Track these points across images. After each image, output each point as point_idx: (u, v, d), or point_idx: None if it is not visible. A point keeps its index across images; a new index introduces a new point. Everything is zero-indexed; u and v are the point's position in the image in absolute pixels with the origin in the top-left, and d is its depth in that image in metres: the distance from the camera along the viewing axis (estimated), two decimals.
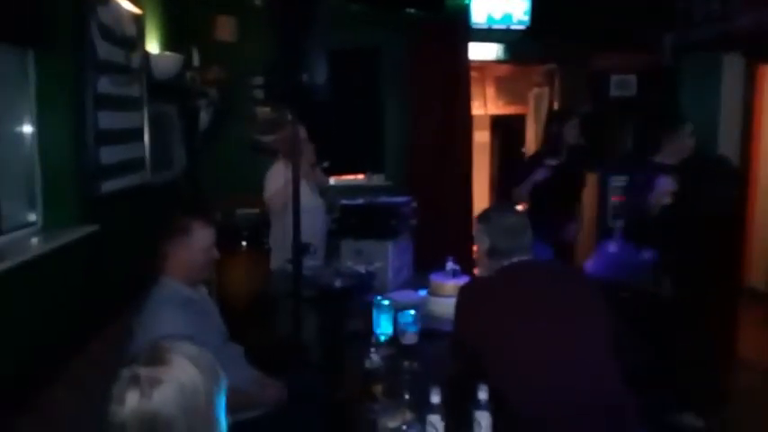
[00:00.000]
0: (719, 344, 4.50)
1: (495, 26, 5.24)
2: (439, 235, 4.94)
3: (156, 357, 1.21)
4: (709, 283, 4.52)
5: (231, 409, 2.44)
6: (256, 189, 4.06)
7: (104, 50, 2.78)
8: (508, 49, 5.34)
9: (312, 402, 2.66)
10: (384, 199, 4.02)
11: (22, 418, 1.78)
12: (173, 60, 3.67)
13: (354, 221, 3.73)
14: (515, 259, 2.19)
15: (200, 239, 2.38)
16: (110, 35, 2.85)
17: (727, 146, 5.05)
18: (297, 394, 2.66)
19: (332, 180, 5.29)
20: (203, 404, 1.21)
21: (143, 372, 1.17)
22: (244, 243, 4.65)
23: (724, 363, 4.50)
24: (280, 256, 3.85)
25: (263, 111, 4.88)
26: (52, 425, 1.86)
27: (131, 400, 1.14)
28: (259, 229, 4.47)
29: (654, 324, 4.33)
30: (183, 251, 2.35)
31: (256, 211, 4.59)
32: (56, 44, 2.48)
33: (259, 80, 4.74)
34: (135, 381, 1.16)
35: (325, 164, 4.62)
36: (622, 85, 5.20)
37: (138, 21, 3.31)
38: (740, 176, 4.90)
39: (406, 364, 2.39)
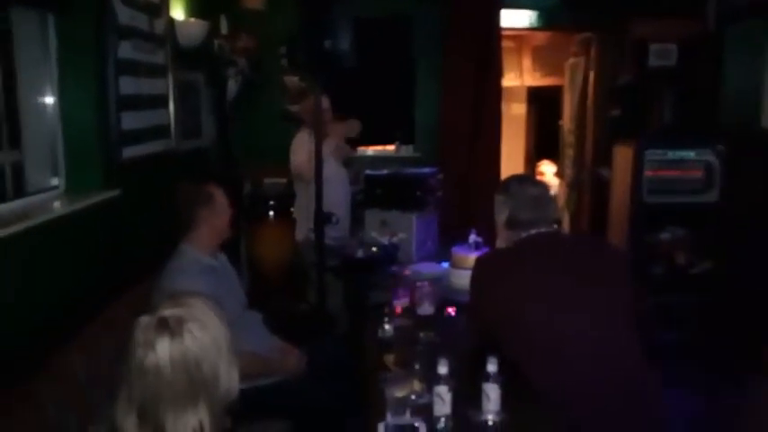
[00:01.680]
0: (759, 322, 4.38)
1: None
2: (467, 208, 4.89)
3: (176, 302, 1.27)
4: (748, 260, 4.39)
5: (251, 374, 2.50)
6: (285, 159, 4.06)
7: (126, 16, 2.78)
8: (542, 17, 5.17)
9: (334, 371, 2.67)
10: (410, 170, 3.98)
11: (38, 379, 1.82)
12: (199, 27, 3.65)
13: (379, 192, 3.70)
14: (534, 231, 2.13)
15: (223, 202, 2.47)
16: (131, 0, 2.84)
17: None
18: (319, 363, 2.68)
19: (367, 150, 5.28)
20: (223, 344, 1.27)
21: (167, 313, 1.23)
22: (271, 213, 4.67)
23: (764, 341, 4.37)
24: (304, 226, 3.86)
25: (292, 80, 4.85)
26: (66, 386, 1.89)
27: (162, 342, 1.20)
28: (287, 199, 4.48)
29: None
30: (212, 216, 2.43)
31: (284, 180, 4.60)
32: (76, 9, 2.48)
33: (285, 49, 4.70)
34: (163, 324, 1.21)
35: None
36: (662, 54, 4.97)
37: None
38: None
39: (422, 335, 2.37)
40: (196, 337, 1.22)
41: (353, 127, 4.12)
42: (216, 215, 2.45)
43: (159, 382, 1.19)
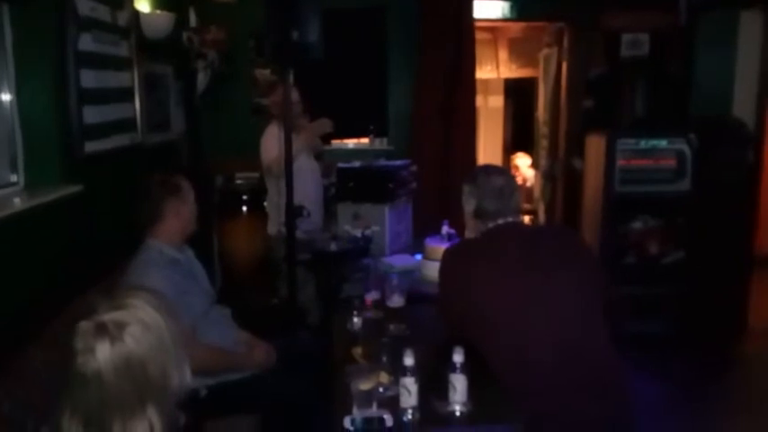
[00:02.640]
0: (731, 311, 4.44)
1: None
2: (442, 200, 4.87)
3: (115, 304, 1.21)
4: (720, 250, 4.43)
5: (218, 369, 2.46)
6: (257, 153, 4.01)
7: (86, 7, 2.71)
8: (515, 8, 5.16)
9: (305, 365, 2.65)
10: (382, 162, 3.96)
11: None
12: (165, 19, 3.59)
13: (351, 185, 3.67)
14: (501, 221, 2.12)
15: (190, 194, 2.44)
16: None
17: (743, 108, 4.87)
18: (290, 357, 2.66)
19: (348, 144, 5.25)
20: (170, 342, 1.23)
21: (106, 318, 1.18)
22: (244, 208, 4.62)
23: (735, 330, 4.44)
24: (276, 221, 3.82)
25: (263, 73, 4.80)
26: (25, 384, 1.85)
27: (102, 348, 1.15)
28: (259, 194, 4.44)
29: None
30: (181, 208, 2.40)
31: (256, 174, 4.55)
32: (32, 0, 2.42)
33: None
34: (102, 329, 1.16)
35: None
36: (634, 44, 5.00)
37: None
38: (755, 140, 4.74)
39: (391, 327, 2.36)
40: (139, 339, 1.18)
41: (324, 125, 4.08)
42: (186, 209, 2.42)
43: (102, 389, 1.15)
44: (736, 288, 4.50)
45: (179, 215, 2.40)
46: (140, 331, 1.18)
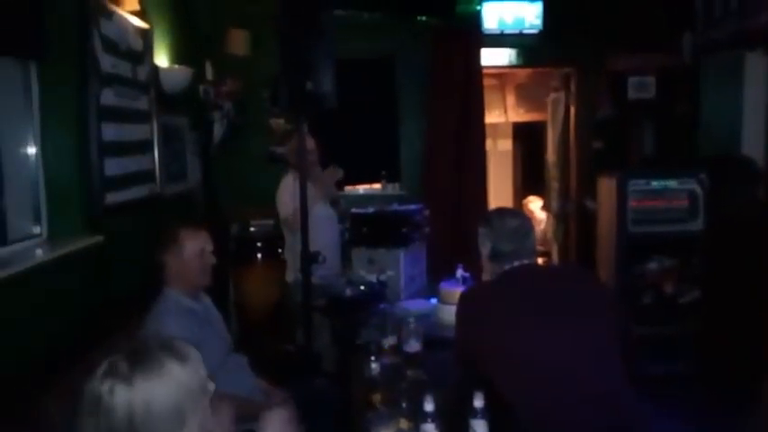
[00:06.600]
0: (750, 350, 4.36)
1: (508, 31, 5.18)
2: (456, 244, 4.89)
3: (138, 351, 1.22)
4: (737, 288, 4.39)
5: (236, 418, 2.44)
6: (272, 201, 4.06)
7: (108, 63, 2.82)
8: (522, 54, 5.28)
9: (322, 412, 2.63)
10: (395, 207, 3.99)
11: (14, 425, 1.78)
12: (183, 74, 3.71)
13: (365, 230, 3.70)
14: (517, 263, 2.14)
15: (189, 246, 2.42)
16: (114, 48, 2.89)
17: (752, 147, 4.89)
18: (307, 404, 2.64)
19: (359, 190, 5.31)
20: (193, 390, 1.23)
21: (128, 364, 1.18)
22: (259, 255, 4.66)
23: (756, 368, 4.36)
24: (293, 268, 3.84)
25: (277, 122, 4.90)
26: None
27: (123, 393, 1.15)
28: (274, 241, 4.48)
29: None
30: (175, 260, 2.40)
31: (271, 222, 4.60)
32: (58, 57, 2.51)
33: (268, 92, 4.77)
34: (124, 375, 1.17)
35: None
36: (641, 86, 5.08)
37: (146, 35, 3.34)
38: (766, 177, 4.74)
39: (409, 372, 2.35)
40: (160, 385, 1.18)
41: (335, 173, 4.14)
42: (181, 261, 2.40)
43: None
44: (755, 326, 4.44)
45: (177, 269, 2.40)
46: (162, 378, 1.19)
